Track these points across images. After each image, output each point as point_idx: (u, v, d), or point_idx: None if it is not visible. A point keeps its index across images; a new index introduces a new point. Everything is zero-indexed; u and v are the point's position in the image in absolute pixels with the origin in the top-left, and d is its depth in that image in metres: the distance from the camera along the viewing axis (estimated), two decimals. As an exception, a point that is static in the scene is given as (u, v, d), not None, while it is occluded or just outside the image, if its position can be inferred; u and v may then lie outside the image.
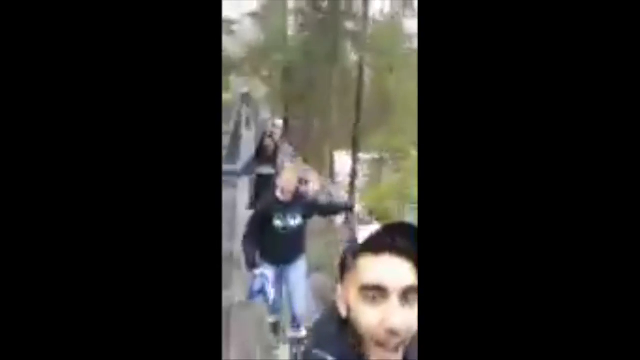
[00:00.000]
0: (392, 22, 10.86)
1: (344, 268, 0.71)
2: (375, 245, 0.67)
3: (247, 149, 8.75)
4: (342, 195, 6.49)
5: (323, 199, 4.93)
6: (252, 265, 2.85)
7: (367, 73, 9.41)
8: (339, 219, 4.94)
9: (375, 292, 0.65)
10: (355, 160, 9.47)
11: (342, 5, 10.56)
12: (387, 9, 10.83)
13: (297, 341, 3.09)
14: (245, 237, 2.94)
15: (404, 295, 0.65)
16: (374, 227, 0.68)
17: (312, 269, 3.61)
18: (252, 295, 2.90)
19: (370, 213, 5.74)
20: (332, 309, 0.73)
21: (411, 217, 8.11)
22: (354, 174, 9.23)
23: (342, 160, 9.85)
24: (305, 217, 2.98)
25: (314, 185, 6.11)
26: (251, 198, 4.77)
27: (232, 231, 5.02)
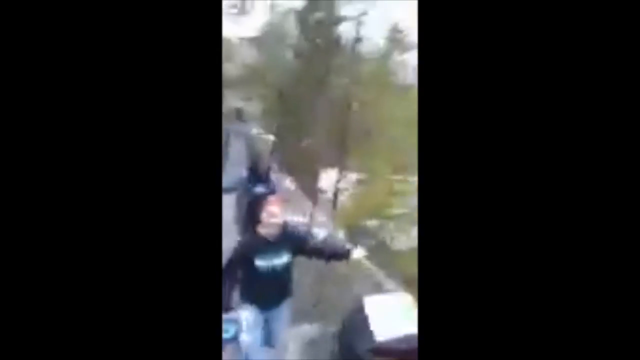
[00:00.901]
0: (381, 59, 11.46)
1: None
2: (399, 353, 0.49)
3: (235, 164, 8.77)
4: (325, 221, 6.38)
5: (315, 237, 4.30)
6: (226, 308, 2.39)
7: (354, 102, 9.91)
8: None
9: None
10: (339, 180, 9.85)
11: (334, 41, 11.09)
12: (379, 47, 11.40)
13: None
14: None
15: None
16: (380, 297, 0.63)
17: (299, 317, 3.09)
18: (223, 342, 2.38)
19: (351, 232, 5.80)
20: None
21: (388, 234, 8.44)
22: (336, 194, 9.57)
23: (328, 179, 10.20)
24: (294, 255, 2.54)
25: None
26: (243, 217, 4.32)
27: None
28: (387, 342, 2.22)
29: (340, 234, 5.54)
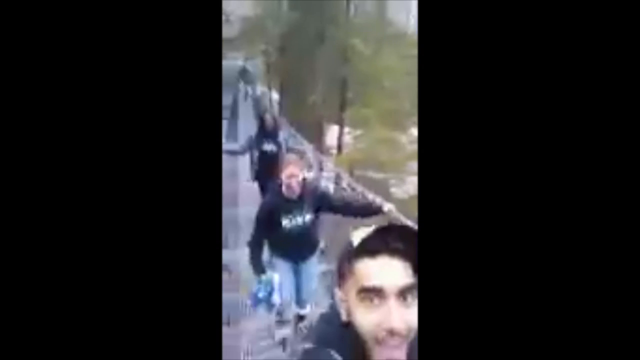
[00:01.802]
0: (376, 7, 11.10)
1: (342, 272, 0.68)
2: (369, 248, 0.64)
3: (246, 124, 9.11)
4: (332, 175, 6.25)
5: (336, 194, 4.19)
6: (260, 270, 2.49)
7: (351, 54, 9.86)
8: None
9: (373, 294, 0.62)
10: (341, 134, 10.16)
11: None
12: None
13: (300, 318, 2.84)
14: (250, 241, 2.53)
15: (401, 295, 0.62)
16: (367, 229, 0.65)
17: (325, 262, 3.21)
18: (255, 302, 2.55)
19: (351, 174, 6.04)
20: (332, 311, 0.71)
21: (388, 184, 8.87)
22: (340, 148, 9.93)
23: (332, 134, 10.53)
24: (318, 212, 2.53)
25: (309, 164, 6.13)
26: (254, 172, 4.64)
27: (234, 200, 5.19)
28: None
29: (345, 185, 5.83)
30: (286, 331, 2.85)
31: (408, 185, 8.69)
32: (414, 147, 8.80)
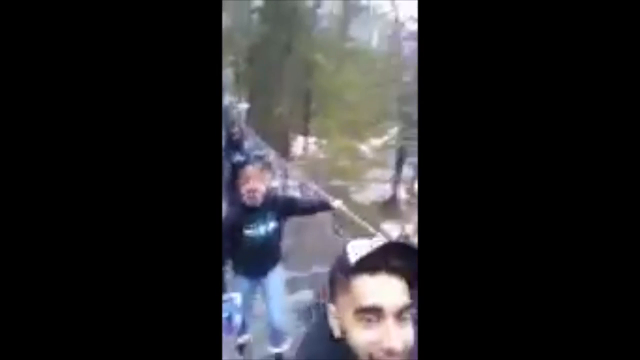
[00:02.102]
0: (339, 23, 11.62)
1: (336, 288, 0.66)
2: (369, 266, 0.63)
3: None
4: (296, 184, 6.57)
5: (299, 197, 4.50)
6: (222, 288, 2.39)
7: (315, 66, 10.29)
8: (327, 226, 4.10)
9: (372, 314, 0.61)
10: (306, 143, 10.59)
11: (297, 6, 11.10)
12: (336, 10, 11.49)
13: (279, 357, 2.70)
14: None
15: (400, 314, 0.62)
16: (365, 241, 0.64)
17: (290, 277, 3.19)
18: None
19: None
20: (320, 327, 0.69)
21: (350, 191, 9.43)
22: (304, 157, 10.36)
23: (297, 144, 10.96)
24: (280, 219, 2.53)
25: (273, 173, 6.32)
26: (225, 184, 4.52)
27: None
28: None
29: (311, 193, 5.89)
30: (245, 337, 2.77)
31: (367, 192, 9.29)
32: (373, 155, 9.41)
